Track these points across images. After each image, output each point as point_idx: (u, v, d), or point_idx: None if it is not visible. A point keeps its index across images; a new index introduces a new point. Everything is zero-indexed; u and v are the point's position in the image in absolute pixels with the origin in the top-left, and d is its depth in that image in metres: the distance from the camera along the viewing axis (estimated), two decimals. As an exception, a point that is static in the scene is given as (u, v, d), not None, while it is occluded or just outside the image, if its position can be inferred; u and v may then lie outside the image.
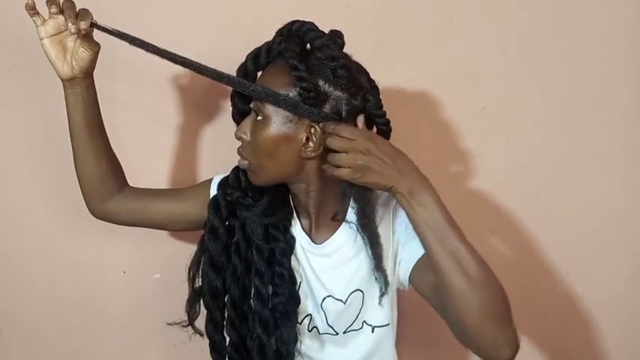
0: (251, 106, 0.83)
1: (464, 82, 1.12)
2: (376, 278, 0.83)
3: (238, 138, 0.82)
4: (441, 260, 0.72)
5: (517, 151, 1.15)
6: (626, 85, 1.15)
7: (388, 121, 0.83)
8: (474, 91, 1.13)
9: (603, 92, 1.15)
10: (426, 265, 0.80)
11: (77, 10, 0.74)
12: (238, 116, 0.86)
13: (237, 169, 0.88)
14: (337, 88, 0.78)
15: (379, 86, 0.83)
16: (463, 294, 0.71)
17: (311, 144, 0.78)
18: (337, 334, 0.87)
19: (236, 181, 0.87)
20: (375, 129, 0.84)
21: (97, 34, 0.77)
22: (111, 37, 0.75)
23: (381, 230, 0.84)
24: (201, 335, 0.88)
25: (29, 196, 1.07)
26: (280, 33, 0.82)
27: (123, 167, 0.91)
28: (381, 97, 0.82)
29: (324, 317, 0.87)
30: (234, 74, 0.82)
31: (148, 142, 1.06)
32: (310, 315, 0.88)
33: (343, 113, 0.78)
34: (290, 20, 0.81)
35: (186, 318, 0.88)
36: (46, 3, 0.75)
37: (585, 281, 1.20)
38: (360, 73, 0.81)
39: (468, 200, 1.13)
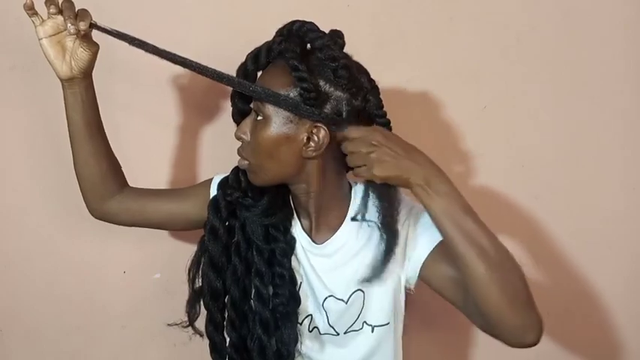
0: (251, 106, 0.83)
1: (464, 82, 1.12)
2: (380, 273, 0.81)
3: (238, 138, 0.82)
4: (461, 248, 0.71)
5: (517, 151, 1.15)
6: (626, 85, 1.15)
7: (389, 121, 0.83)
8: (474, 91, 1.13)
9: (603, 92, 1.15)
10: (438, 258, 0.81)
11: (76, 10, 0.74)
12: (238, 116, 0.86)
13: (237, 170, 0.87)
14: (338, 89, 0.78)
15: (379, 86, 0.83)
16: (487, 279, 0.70)
17: (312, 144, 0.78)
18: (338, 334, 0.87)
19: (236, 182, 0.86)
20: None
21: (96, 34, 0.77)
22: (110, 37, 0.75)
23: (378, 237, 0.83)
24: (202, 336, 0.87)
25: (29, 196, 1.07)
26: (280, 33, 0.81)
27: (123, 167, 0.91)
28: (381, 97, 0.82)
29: (325, 317, 0.87)
30: (234, 74, 0.82)
31: (147, 142, 1.06)
32: (311, 315, 0.87)
33: (344, 113, 0.78)
34: (290, 20, 0.81)
35: (186, 319, 0.88)
36: (45, 3, 0.75)
37: (585, 281, 1.20)
38: (361, 73, 0.81)
39: (467, 200, 1.13)
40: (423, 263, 0.82)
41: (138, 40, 0.75)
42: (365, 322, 0.87)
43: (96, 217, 0.92)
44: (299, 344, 0.87)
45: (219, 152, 1.00)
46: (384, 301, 0.86)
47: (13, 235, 1.08)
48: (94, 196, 0.89)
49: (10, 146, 1.04)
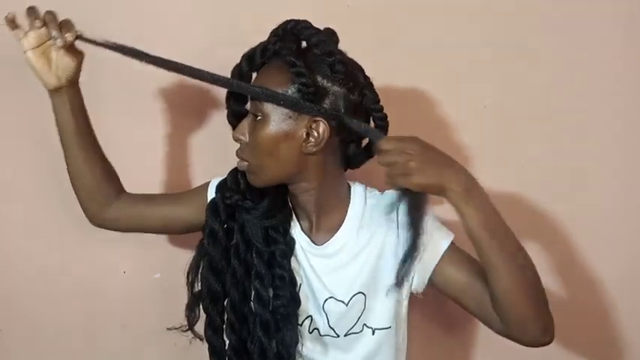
0: (247, 107, 0.83)
1: (464, 81, 1.11)
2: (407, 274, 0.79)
3: (237, 140, 0.82)
4: (495, 258, 0.72)
5: (517, 151, 1.15)
6: (626, 85, 1.15)
7: (385, 116, 0.84)
8: (474, 90, 1.12)
9: (603, 92, 1.14)
10: (448, 265, 0.82)
11: (59, 21, 0.74)
12: (233, 118, 0.86)
13: (235, 172, 0.87)
14: (335, 84, 0.78)
15: (380, 86, 0.83)
16: (517, 286, 0.72)
17: (312, 139, 0.78)
18: (338, 336, 0.87)
19: (235, 184, 0.86)
20: (372, 124, 0.84)
21: (82, 44, 0.76)
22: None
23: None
24: (202, 340, 0.87)
25: (29, 196, 1.07)
26: (275, 33, 0.82)
27: (118, 174, 0.91)
28: (377, 92, 0.82)
29: (325, 319, 0.87)
30: (229, 77, 0.82)
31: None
32: (311, 317, 0.87)
33: (342, 109, 0.78)
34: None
35: (185, 322, 0.88)
36: (27, 17, 0.75)
37: (585, 282, 1.20)
38: (356, 69, 0.82)
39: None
40: (433, 270, 0.83)
41: (124, 47, 0.75)
42: (365, 324, 0.87)
43: (95, 225, 0.92)
44: (299, 346, 0.86)
45: (215, 155, 1.01)
46: (385, 304, 0.86)
47: (13, 235, 1.08)
48: (92, 204, 0.89)
49: (9, 146, 1.04)
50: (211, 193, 0.88)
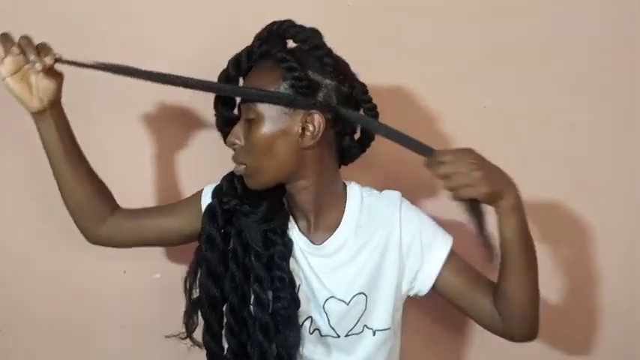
0: (235, 112, 0.84)
1: (464, 81, 1.12)
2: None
3: (232, 144, 0.82)
4: (520, 267, 0.77)
5: (517, 151, 1.15)
6: (626, 85, 1.15)
7: (375, 106, 0.85)
8: (474, 90, 1.12)
9: (603, 91, 1.14)
10: (451, 271, 0.86)
11: (35, 45, 0.74)
12: (223, 124, 0.86)
13: (230, 177, 0.87)
14: (327, 76, 0.79)
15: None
16: (529, 291, 0.80)
17: (308, 133, 0.78)
18: (339, 336, 0.87)
19: (231, 189, 0.85)
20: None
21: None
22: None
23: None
24: (200, 347, 0.87)
25: (29, 196, 1.07)
26: (259, 37, 0.83)
27: (110, 188, 0.90)
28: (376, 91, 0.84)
29: (326, 319, 0.87)
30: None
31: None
32: (311, 317, 0.87)
33: (334, 101, 0.79)
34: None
35: (184, 329, 0.87)
36: (2, 44, 0.75)
37: (585, 282, 1.20)
38: (342, 62, 0.83)
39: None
40: (437, 277, 0.86)
41: (104, 64, 0.75)
42: (365, 325, 0.87)
43: (92, 242, 0.91)
44: (300, 347, 0.86)
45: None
46: (385, 306, 0.86)
47: (13, 234, 1.08)
48: (86, 222, 0.88)
49: (10, 147, 1.04)
50: (206, 200, 0.87)
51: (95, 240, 0.91)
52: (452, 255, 0.86)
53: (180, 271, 0.89)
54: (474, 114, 1.13)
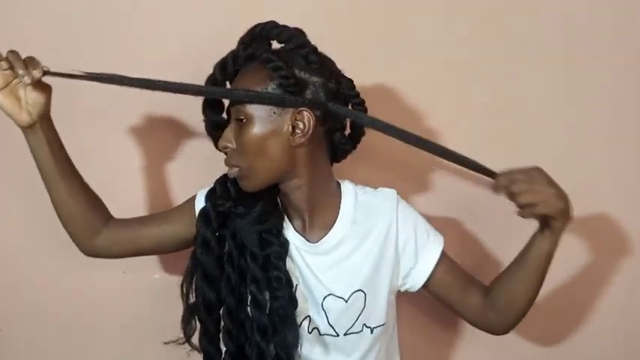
0: (224, 116, 0.84)
1: (464, 81, 1.12)
2: None
3: (224, 148, 0.82)
4: (540, 278, 0.84)
5: (517, 151, 1.15)
6: (626, 85, 1.15)
7: (363, 101, 0.86)
8: (474, 90, 1.12)
9: (603, 92, 1.14)
10: (443, 270, 0.89)
11: (23, 59, 0.73)
12: (212, 129, 0.86)
13: (223, 179, 0.87)
14: (313, 74, 0.80)
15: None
16: (534, 296, 0.86)
17: (298, 130, 0.79)
18: (338, 335, 0.87)
19: (225, 191, 0.86)
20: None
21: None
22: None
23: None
24: (199, 351, 0.87)
25: (29, 195, 1.06)
26: (242, 41, 0.83)
27: (103, 199, 0.89)
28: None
29: (325, 317, 0.87)
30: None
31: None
32: (309, 317, 0.87)
33: (323, 97, 0.80)
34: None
35: (182, 335, 0.87)
36: None
37: (585, 283, 1.20)
38: (328, 59, 0.84)
39: (467, 200, 1.13)
40: (429, 276, 0.89)
41: (92, 75, 0.75)
42: (365, 324, 0.87)
43: (88, 255, 0.90)
44: (299, 347, 0.86)
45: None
46: (382, 302, 0.87)
47: (13, 234, 1.08)
48: (81, 235, 0.87)
49: (9, 148, 1.04)
50: (200, 204, 0.87)
51: (91, 252, 0.90)
52: (443, 254, 0.89)
53: (180, 271, 0.88)
54: (474, 114, 1.13)
